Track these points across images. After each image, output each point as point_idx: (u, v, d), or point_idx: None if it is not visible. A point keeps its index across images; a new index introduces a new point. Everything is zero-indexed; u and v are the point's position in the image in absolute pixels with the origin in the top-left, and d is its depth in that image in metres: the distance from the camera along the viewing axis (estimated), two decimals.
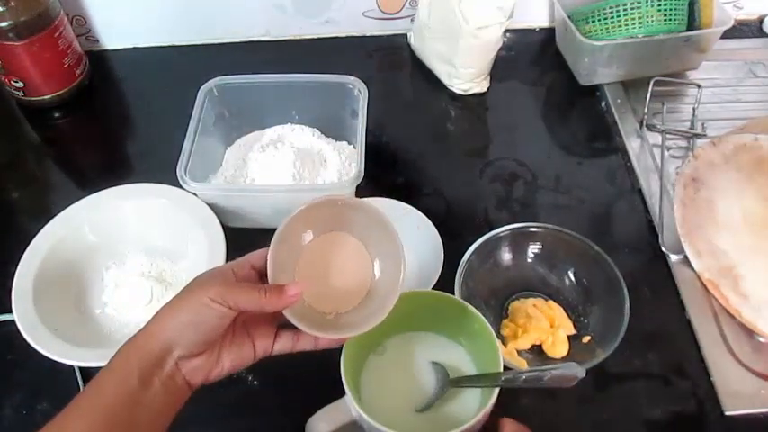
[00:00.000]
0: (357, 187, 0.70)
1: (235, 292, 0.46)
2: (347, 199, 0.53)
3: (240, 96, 0.78)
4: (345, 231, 0.53)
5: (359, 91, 0.76)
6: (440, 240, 0.65)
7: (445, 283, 0.62)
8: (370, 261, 0.54)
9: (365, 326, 0.50)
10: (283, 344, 0.51)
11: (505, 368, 0.53)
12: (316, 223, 0.52)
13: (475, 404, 0.54)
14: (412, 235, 0.69)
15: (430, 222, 0.67)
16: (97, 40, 0.98)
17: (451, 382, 0.54)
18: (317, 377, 0.54)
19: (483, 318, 0.54)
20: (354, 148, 0.78)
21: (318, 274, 0.53)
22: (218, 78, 0.77)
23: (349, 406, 0.51)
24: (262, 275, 0.49)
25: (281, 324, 0.51)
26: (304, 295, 0.48)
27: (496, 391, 0.50)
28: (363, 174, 0.68)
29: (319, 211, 0.51)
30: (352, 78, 0.77)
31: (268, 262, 0.48)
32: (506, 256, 0.69)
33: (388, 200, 0.70)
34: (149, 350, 0.45)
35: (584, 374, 0.47)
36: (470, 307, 0.54)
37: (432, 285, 0.62)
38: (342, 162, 0.77)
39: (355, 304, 0.53)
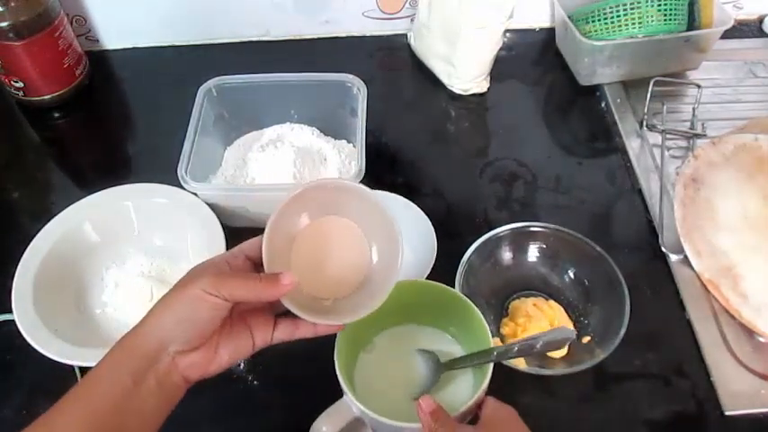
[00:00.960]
0: None
1: (229, 282, 0.44)
2: (338, 182, 0.50)
3: (239, 96, 0.78)
4: (341, 215, 0.51)
5: (358, 89, 0.76)
6: (433, 233, 0.65)
7: (445, 282, 0.62)
8: (367, 245, 0.52)
9: (363, 311, 0.49)
10: (282, 332, 0.49)
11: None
12: (310, 209, 0.51)
13: (468, 388, 0.54)
14: (405, 228, 0.69)
15: (425, 216, 0.67)
16: (97, 40, 0.98)
17: (445, 366, 0.54)
18: (316, 377, 0.54)
19: (464, 297, 0.53)
20: (354, 146, 0.78)
21: (315, 259, 0.51)
22: (216, 78, 0.77)
23: (349, 404, 0.51)
24: (257, 265, 0.48)
25: (279, 313, 0.50)
26: (301, 282, 0.47)
27: (490, 370, 0.50)
28: (364, 171, 0.68)
29: (313, 196, 0.50)
30: (350, 76, 0.77)
31: (263, 250, 0.47)
32: (507, 255, 0.69)
33: (381, 191, 0.70)
34: (144, 350, 0.44)
35: (574, 336, 0.47)
36: (449, 288, 0.54)
37: (425, 278, 0.62)
38: (342, 160, 0.77)
39: (353, 290, 0.52)
